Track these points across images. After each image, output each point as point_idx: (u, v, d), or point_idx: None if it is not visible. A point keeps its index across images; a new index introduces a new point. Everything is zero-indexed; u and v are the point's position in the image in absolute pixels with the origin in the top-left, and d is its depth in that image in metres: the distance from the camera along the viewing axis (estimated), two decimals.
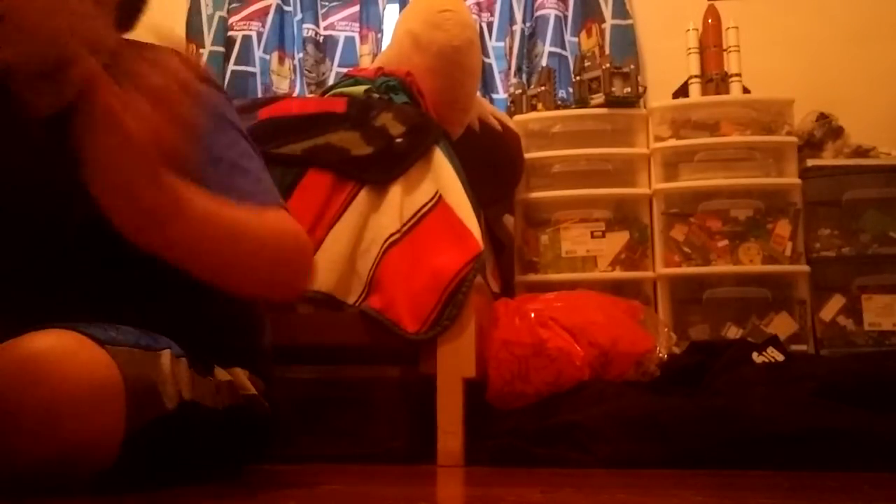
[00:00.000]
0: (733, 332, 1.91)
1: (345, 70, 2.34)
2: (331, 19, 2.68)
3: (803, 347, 1.89)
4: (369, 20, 2.63)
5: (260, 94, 2.58)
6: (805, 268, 1.94)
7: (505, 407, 1.49)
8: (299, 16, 2.65)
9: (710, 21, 2.17)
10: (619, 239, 2.00)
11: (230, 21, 2.66)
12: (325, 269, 1.39)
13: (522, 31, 2.53)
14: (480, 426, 1.40)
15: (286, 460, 1.20)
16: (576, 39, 2.53)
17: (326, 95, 1.64)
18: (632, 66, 2.09)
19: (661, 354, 1.59)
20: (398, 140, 1.42)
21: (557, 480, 1.09)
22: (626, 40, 2.48)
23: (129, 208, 0.77)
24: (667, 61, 2.34)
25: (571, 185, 2.04)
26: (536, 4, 2.54)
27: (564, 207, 2.03)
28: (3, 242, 0.90)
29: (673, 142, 2.02)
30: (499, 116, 1.92)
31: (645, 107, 2.10)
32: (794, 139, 2.01)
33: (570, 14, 2.53)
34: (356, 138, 1.43)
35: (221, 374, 0.97)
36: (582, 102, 2.08)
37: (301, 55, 2.62)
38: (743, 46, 2.13)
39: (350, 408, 1.41)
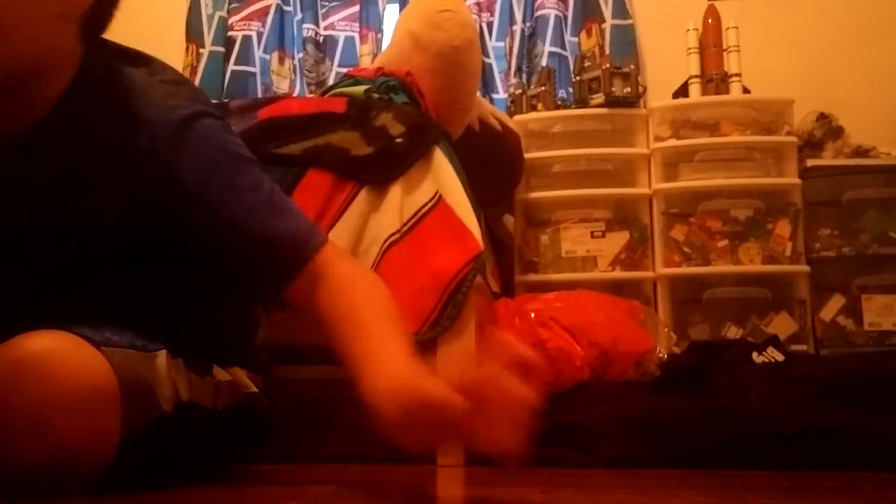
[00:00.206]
0: (733, 332, 1.91)
1: (345, 70, 2.33)
2: (331, 19, 2.68)
3: (803, 347, 1.89)
4: (369, 20, 2.63)
5: (260, 94, 2.58)
6: (805, 268, 1.94)
7: None
8: (299, 16, 2.65)
9: (710, 21, 2.17)
10: (619, 239, 2.00)
11: (230, 21, 2.66)
12: None
13: (522, 31, 2.53)
14: None
15: (286, 460, 1.20)
16: (576, 39, 2.53)
17: (326, 95, 1.64)
18: (632, 66, 2.09)
19: (661, 354, 1.59)
20: (398, 140, 1.42)
21: (557, 480, 1.08)
22: (626, 40, 2.48)
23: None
24: (667, 61, 2.34)
25: (571, 185, 2.04)
26: (536, 4, 2.54)
27: (564, 207, 2.03)
28: (4, 247, 0.90)
29: (673, 142, 2.02)
30: (499, 116, 1.92)
31: (645, 107, 2.10)
32: (794, 139, 2.01)
33: (570, 14, 2.53)
34: (356, 138, 1.43)
35: (221, 373, 0.97)
36: (582, 102, 2.08)
37: (301, 55, 2.62)
38: (743, 46, 2.13)
39: (350, 408, 1.40)
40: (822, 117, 2.13)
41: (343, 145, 1.43)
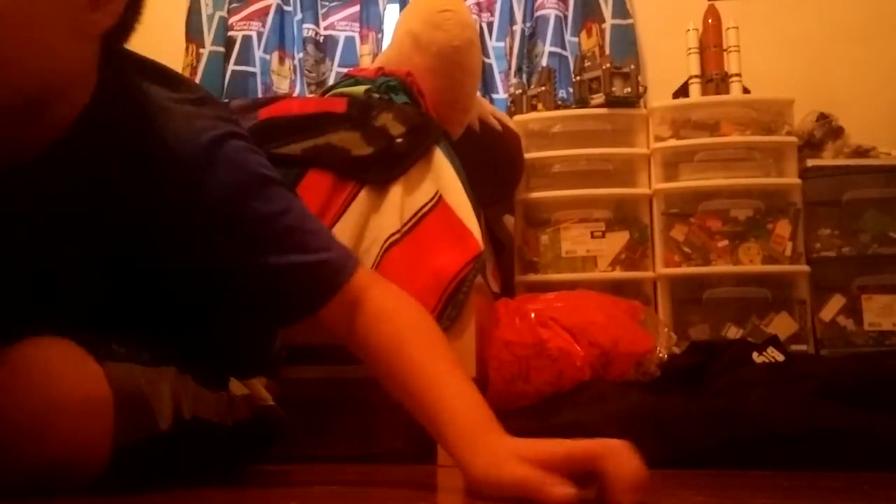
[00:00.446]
0: (733, 332, 1.91)
1: (345, 70, 2.33)
2: (331, 19, 2.68)
3: (803, 347, 1.89)
4: (369, 20, 2.63)
5: (260, 94, 2.58)
6: (805, 268, 1.94)
7: (505, 407, 1.49)
8: (299, 16, 2.65)
9: (710, 21, 2.17)
10: (619, 239, 2.00)
11: (230, 21, 2.66)
12: None
13: (522, 31, 2.53)
14: None
15: (286, 460, 1.20)
16: (576, 39, 2.53)
17: (326, 95, 1.64)
18: (632, 66, 2.09)
19: (661, 354, 1.59)
20: (398, 140, 1.42)
21: None
22: (627, 40, 2.48)
23: None
24: (667, 61, 2.34)
25: (571, 185, 2.04)
26: (536, 4, 2.54)
27: (564, 207, 2.03)
28: (20, 269, 0.87)
29: (673, 142, 2.02)
30: (499, 116, 1.92)
31: (645, 107, 2.10)
32: (794, 139, 2.01)
33: (570, 14, 2.54)
34: (356, 138, 1.43)
35: (238, 387, 0.95)
36: (582, 102, 2.08)
37: (301, 55, 2.62)
38: (743, 46, 2.13)
39: (350, 408, 1.41)
40: (822, 117, 2.13)
41: (343, 145, 1.43)
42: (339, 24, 2.68)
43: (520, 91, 2.22)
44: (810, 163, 2.02)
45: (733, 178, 1.98)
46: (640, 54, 2.50)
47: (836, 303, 1.96)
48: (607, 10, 2.51)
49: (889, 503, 0.89)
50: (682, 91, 2.16)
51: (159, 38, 2.34)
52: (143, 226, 0.85)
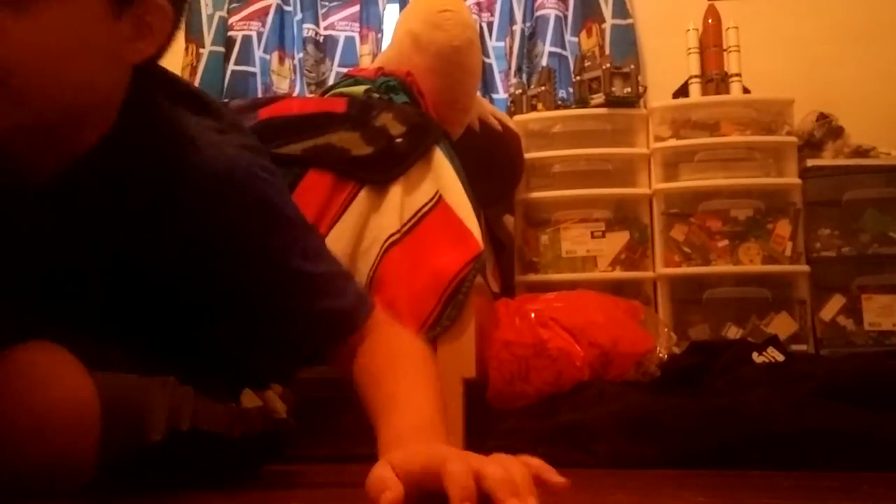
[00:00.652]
0: (733, 332, 1.90)
1: (345, 70, 2.33)
2: (331, 19, 2.68)
3: (803, 347, 1.89)
4: (369, 20, 2.63)
5: (260, 94, 2.58)
6: (805, 268, 1.94)
7: (505, 407, 1.49)
8: (299, 16, 2.65)
9: (710, 21, 2.17)
10: (619, 239, 2.00)
11: (230, 21, 2.66)
12: None
13: (522, 31, 2.53)
14: (480, 426, 1.40)
15: (286, 460, 1.20)
16: (576, 39, 2.53)
17: (326, 95, 1.64)
18: (632, 66, 2.09)
19: (661, 354, 1.59)
20: (398, 140, 1.42)
21: None
22: (626, 40, 2.48)
23: None
24: (667, 61, 2.34)
25: (571, 185, 2.04)
26: (536, 4, 2.54)
27: (564, 207, 2.02)
28: (32, 275, 0.86)
29: (673, 142, 2.02)
30: (499, 116, 1.92)
31: (645, 107, 2.10)
32: (794, 139, 2.01)
33: (570, 14, 2.53)
34: (356, 138, 1.43)
35: (251, 399, 0.94)
36: (582, 102, 2.08)
37: (301, 55, 2.62)
38: (743, 46, 2.13)
39: (350, 408, 1.40)
40: (822, 117, 2.13)
41: (343, 145, 1.43)
42: (339, 24, 2.68)
43: (520, 91, 2.22)
44: (810, 163, 2.02)
45: (733, 178, 1.98)
46: (640, 54, 2.50)
47: (836, 303, 1.96)
48: (607, 10, 2.51)
49: (889, 503, 0.89)
50: (682, 91, 2.16)
51: None
52: (155, 250, 0.84)
